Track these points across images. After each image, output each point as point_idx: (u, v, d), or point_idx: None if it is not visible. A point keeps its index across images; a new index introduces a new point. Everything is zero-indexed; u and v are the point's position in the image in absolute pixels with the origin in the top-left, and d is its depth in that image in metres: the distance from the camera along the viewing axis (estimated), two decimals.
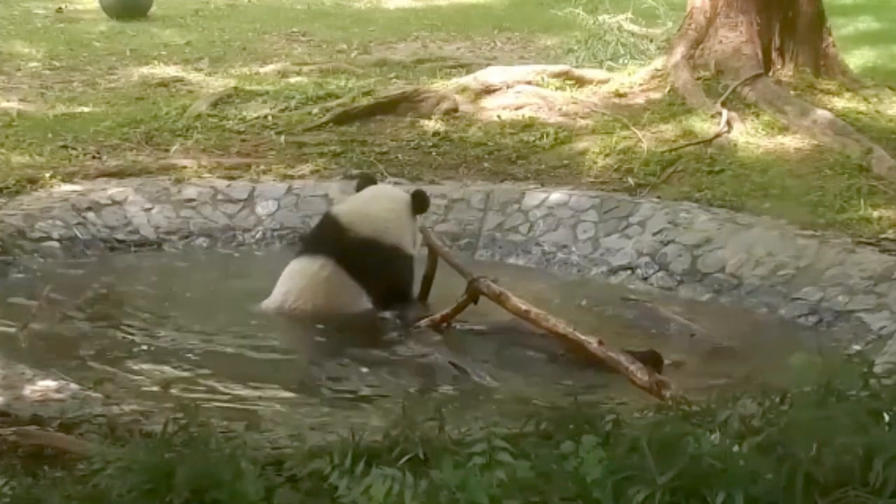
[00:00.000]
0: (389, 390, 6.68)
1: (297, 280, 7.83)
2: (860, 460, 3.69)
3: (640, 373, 6.27)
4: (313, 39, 15.73)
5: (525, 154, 10.19)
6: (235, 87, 11.89)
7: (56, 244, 8.68)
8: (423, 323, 7.59)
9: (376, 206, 8.03)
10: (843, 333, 7.61)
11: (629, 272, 8.69)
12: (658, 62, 11.55)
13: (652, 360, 7.03)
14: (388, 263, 7.86)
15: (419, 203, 8.07)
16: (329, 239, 7.93)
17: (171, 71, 13.34)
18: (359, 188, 8.26)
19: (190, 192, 9.35)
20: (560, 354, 6.97)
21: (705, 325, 7.69)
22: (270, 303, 7.83)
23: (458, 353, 7.21)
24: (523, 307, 7.14)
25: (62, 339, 7.21)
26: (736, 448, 3.85)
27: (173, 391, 5.99)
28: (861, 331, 7.56)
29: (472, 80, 11.47)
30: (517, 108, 10.94)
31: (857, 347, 7.25)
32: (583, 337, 6.72)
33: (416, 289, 7.98)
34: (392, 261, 7.88)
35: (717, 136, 10.12)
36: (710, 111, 10.47)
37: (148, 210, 9.15)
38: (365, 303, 7.82)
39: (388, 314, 7.74)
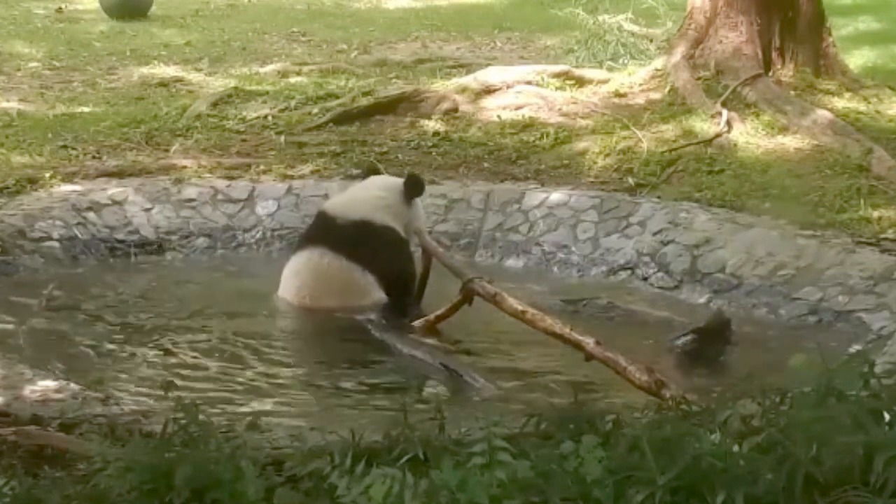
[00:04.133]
0: (388, 391, 6.68)
1: (303, 276, 7.86)
2: (860, 460, 3.69)
3: (638, 373, 6.26)
4: (313, 39, 15.73)
5: (525, 154, 10.18)
6: (235, 87, 11.89)
7: (56, 244, 8.67)
8: (417, 324, 7.59)
9: (364, 194, 8.13)
10: (843, 333, 7.60)
11: (629, 272, 8.69)
12: (658, 62, 11.54)
13: (721, 326, 7.25)
14: (384, 244, 7.88)
15: (412, 187, 8.09)
16: (321, 230, 7.99)
17: (171, 71, 13.34)
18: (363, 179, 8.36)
19: (190, 192, 9.35)
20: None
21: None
22: (283, 299, 7.87)
23: (452, 354, 7.22)
24: (519, 308, 7.13)
25: (62, 339, 7.21)
26: (736, 448, 3.85)
27: (173, 391, 5.97)
28: (861, 331, 7.56)
29: (472, 80, 11.47)
30: (517, 108, 10.93)
31: (857, 347, 7.23)
32: (580, 337, 6.70)
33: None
34: (388, 242, 7.90)
35: (717, 136, 10.11)
36: (710, 111, 10.46)
37: (148, 210, 9.14)
38: (376, 287, 7.83)
39: (372, 316, 7.72)
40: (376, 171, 8.47)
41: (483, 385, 6.69)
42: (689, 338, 7.32)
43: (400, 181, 8.16)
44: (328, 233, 7.93)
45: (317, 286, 7.81)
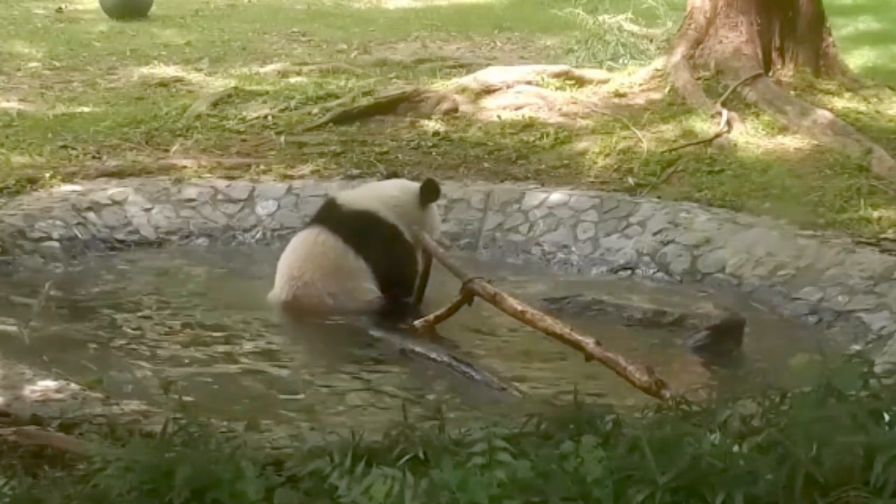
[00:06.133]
0: (388, 390, 6.68)
1: (297, 252, 7.87)
2: (860, 460, 3.69)
3: (638, 373, 6.26)
4: (313, 39, 15.73)
5: (525, 154, 10.18)
6: (235, 87, 11.89)
7: (56, 244, 8.67)
8: (417, 323, 7.58)
9: (376, 192, 8.13)
10: (843, 333, 7.60)
11: (629, 272, 8.69)
12: (658, 62, 11.55)
13: (735, 325, 7.27)
14: (382, 237, 7.88)
15: (427, 192, 8.08)
16: (324, 214, 8.04)
17: (171, 71, 13.34)
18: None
19: (190, 192, 9.35)
20: None
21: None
22: (276, 288, 7.87)
23: (458, 352, 7.21)
24: (519, 308, 7.13)
25: (62, 339, 7.21)
26: (736, 448, 3.85)
27: (173, 391, 5.98)
28: (861, 331, 7.55)
29: (472, 80, 11.47)
30: (517, 108, 10.94)
31: (857, 347, 7.24)
32: (580, 337, 6.70)
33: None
34: (387, 236, 7.89)
35: (717, 136, 10.12)
36: (710, 111, 10.47)
37: (148, 210, 9.15)
38: (368, 275, 7.82)
39: (372, 315, 7.72)
40: (396, 176, 8.50)
41: (494, 383, 6.67)
42: (702, 334, 7.36)
43: (416, 185, 8.15)
44: (330, 216, 7.97)
45: (309, 263, 7.81)
